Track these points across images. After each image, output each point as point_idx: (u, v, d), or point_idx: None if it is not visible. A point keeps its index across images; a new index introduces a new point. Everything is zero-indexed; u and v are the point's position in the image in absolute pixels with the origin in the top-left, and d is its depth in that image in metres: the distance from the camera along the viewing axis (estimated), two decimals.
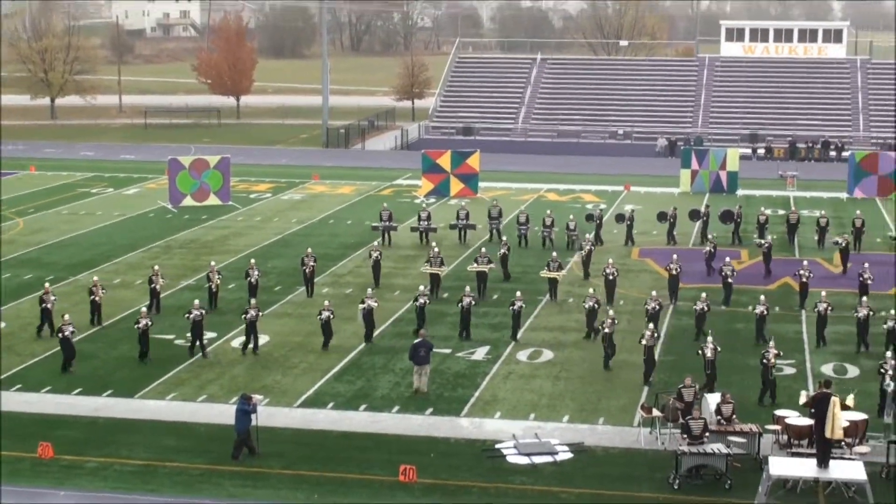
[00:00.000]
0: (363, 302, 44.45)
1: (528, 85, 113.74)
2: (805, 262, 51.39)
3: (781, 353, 39.23)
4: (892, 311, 43.01)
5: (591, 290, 46.52)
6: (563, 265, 53.21)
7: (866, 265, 49.95)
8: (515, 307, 44.51)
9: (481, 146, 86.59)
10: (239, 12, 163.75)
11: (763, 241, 56.19)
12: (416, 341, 39.62)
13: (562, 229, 61.32)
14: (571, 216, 63.18)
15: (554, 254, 52.84)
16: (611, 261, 51.16)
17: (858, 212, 63.46)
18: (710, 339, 39.24)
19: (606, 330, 40.86)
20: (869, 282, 48.87)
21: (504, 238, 58.25)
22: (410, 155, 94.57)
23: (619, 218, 63.67)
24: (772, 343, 38.85)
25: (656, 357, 40.13)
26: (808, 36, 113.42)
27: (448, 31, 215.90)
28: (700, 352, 39.02)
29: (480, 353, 43.09)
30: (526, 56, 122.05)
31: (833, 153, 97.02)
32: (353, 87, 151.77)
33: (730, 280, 49.49)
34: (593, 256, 54.88)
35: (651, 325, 40.41)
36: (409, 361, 39.57)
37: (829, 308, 44.20)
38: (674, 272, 50.03)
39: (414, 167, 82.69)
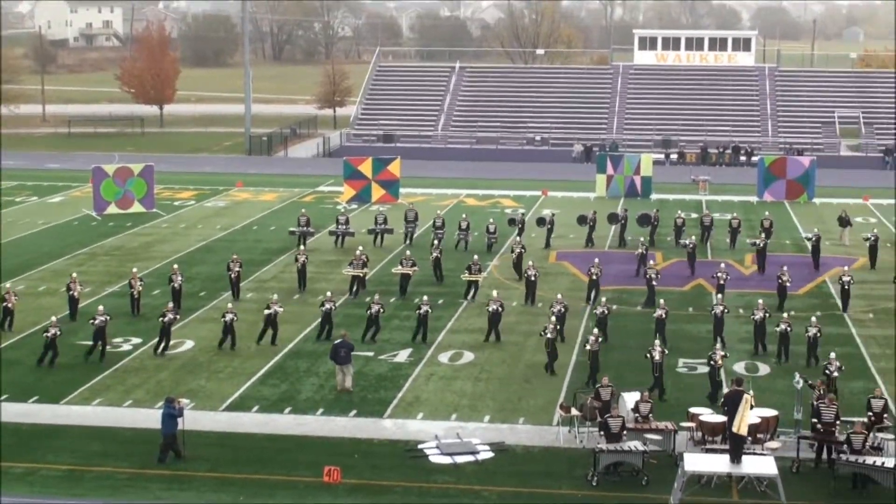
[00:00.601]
0: (269, 307, 44.83)
1: (448, 93, 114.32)
2: (722, 265, 52.16)
3: (728, 355, 39.74)
4: (785, 315, 43.72)
5: (494, 294, 47.03)
6: (483, 268, 53.90)
7: (785, 268, 50.68)
8: (422, 311, 44.96)
9: (402, 153, 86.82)
10: (161, 22, 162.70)
11: (688, 242, 57.11)
12: (336, 342, 40.08)
13: (481, 233, 62.04)
14: (491, 220, 63.87)
15: (475, 256, 53.53)
16: (531, 262, 52.02)
17: (767, 213, 64.84)
18: (657, 341, 39.72)
19: (549, 335, 41.18)
20: (787, 284, 49.86)
21: (435, 242, 58.89)
22: (332, 162, 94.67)
23: (540, 222, 64.38)
24: (718, 345, 39.45)
25: (600, 360, 40.41)
26: (718, 44, 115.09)
27: (368, 41, 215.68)
28: (648, 355, 39.30)
29: (403, 356, 43.45)
30: (445, 64, 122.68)
31: (743, 158, 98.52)
32: (275, 96, 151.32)
33: (654, 283, 50.37)
34: (524, 258, 55.43)
35: (595, 331, 40.84)
36: (331, 362, 40.01)
37: (726, 310, 45.14)
38: (594, 276, 50.82)
39: (336, 174, 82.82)
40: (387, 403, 38.53)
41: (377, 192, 76.03)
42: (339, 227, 62.73)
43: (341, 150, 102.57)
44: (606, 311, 44.92)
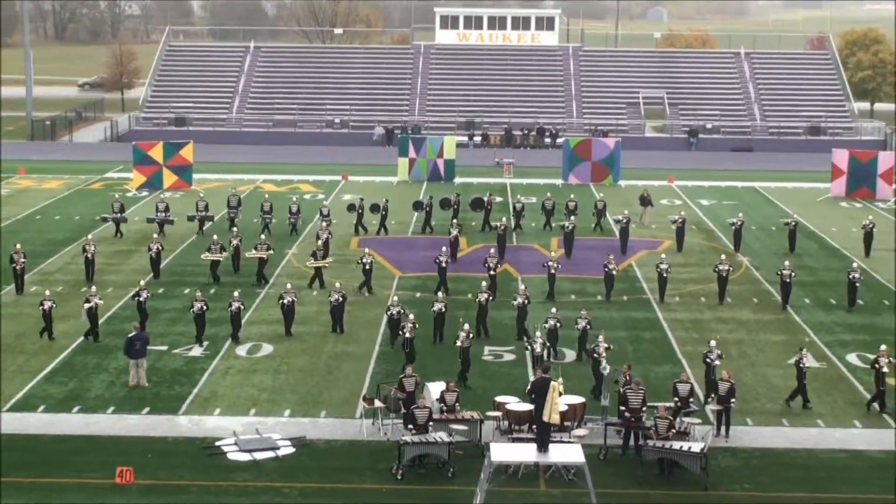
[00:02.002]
0: (88, 301, 43.03)
1: (242, 74, 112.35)
2: (553, 254, 51.64)
3: (612, 347, 38.98)
4: (553, 310, 42.54)
5: (288, 286, 46.13)
6: (328, 254, 52.72)
7: (612, 256, 50.43)
8: (233, 308, 43.19)
9: (195, 137, 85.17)
10: None
11: (499, 225, 56.90)
12: (130, 335, 38.74)
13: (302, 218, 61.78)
14: (325, 202, 63.81)
15: (319, 242, 52.89)
16: (367, 250, 51.03)
17: (601, 195, 65.32)
18: (538, 333, 39.02)
19: (408, 335, 39.85)
20: (614, 272, 49.37)
21: (235, 229, 57.36)
22: (121, 147, 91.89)
23: (374, 208, 63.06)
24: (601, 337, 38.63)
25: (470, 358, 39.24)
26: (522, 23, 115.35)
27: (158, 19, 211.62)
28: (528, 348, 38.65)
29: (198, 350, 42.24)
30: (239, 44, 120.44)
31: (548, 140, 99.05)
32: (58, 77, 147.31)
33: (493, 272, 49.32)
34: (331, 244, 54.81)
35: (466, 326, 39.59)
36: (125, 356, 38.72)
37: (491, 298, 44.53)
38: (443, 264, 49.72)
39: (125, 159, 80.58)
40: (182, 399, 37.42)
41: (169, 178, 74.04)
42: (159, 213, 61.21)
43: (130, 134, 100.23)
44: (401, 312, 42.81)
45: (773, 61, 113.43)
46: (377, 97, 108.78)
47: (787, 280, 47.81)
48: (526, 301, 43.93)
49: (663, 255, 50.95)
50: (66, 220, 64.98)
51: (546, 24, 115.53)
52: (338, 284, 45.63)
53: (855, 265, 49.82)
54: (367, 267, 49.68)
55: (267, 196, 64.15)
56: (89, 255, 51.42)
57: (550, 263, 49.44)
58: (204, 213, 61.64)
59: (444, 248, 51.07)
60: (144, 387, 38.00)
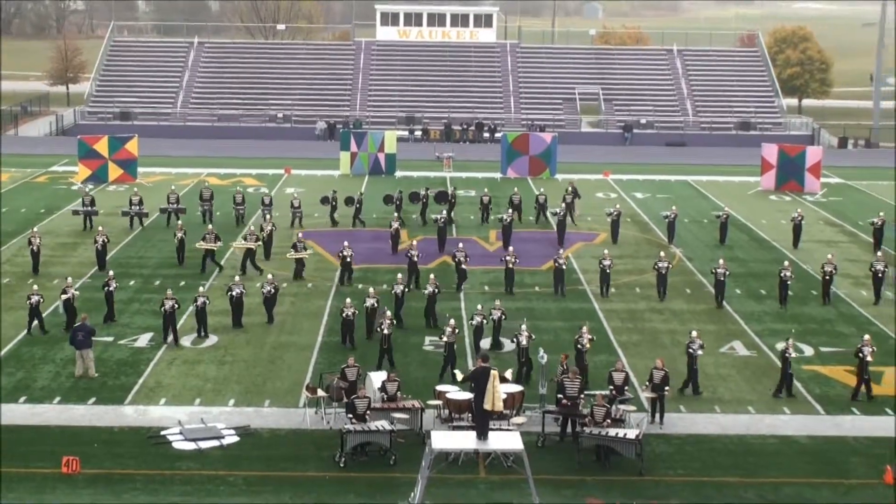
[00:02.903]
0: (65, 292, 43.20)
1: (186, 69, 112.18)
2: (511, 248, 51.41)
3: (595, 338, 39.61)
4: (497, 302, 43.01)
5: (236, 278, 46.37)
6: (308, 247, 53.10)
7: (562, 251, 50.94)
8: (199, 303, 42.97)
9: (139, 131, 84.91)
10: None
11: (438, 217, 57.16)
12: (75, 325, 39.00)
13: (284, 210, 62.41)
14: (296, 194, 64.04)
15: (300, 234, 53.12)
16: (346, 243, 51.06)
17: (516, 189, 65.66)
18: (524, 326, 39.19)
19: (386, 331, 39.73)
20: (563, 267, 49.54)
21: (180, 222, 57.42)
22: (66, 141, 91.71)
23: (349, 201, 63.40)
24: (585, 328, 39.07)
25: (455, 353, 39.23)
26: (461, 20, 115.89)
27: (102, 14, 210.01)
28: (514, 339, 38.97)
29: (143, 340, 42.45)
30: (183, 40, 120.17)
31: (486, 134, 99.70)
32: (3, 72, 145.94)
33: (462, 265, 49.58)
34: (275, 236, 55.34)
35: (452, 321, 39.73)
36: (70, 347, 38.87)
37: (403, 288, 44.97)
38: (414, 258, 49.87)
39: (70, 153, 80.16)
40: (128, 389, 37.58)
41: (114, 171, 74.08)
42: (133, 207, 61.45)
43: (76, 128, 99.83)
44: (352, 314, 42.59)
45: (704, 58, 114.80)
46: (319, 92, 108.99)
47: (721, 279, 48.12)
48: (436, 290, 44.39)
49: (606, 251, 51.24)
50: (12, 212, 64.71)
51: (484, 21, 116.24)
52: (270, 276, 45.95)
53: (786, 263, 50.55)
54: (348, 259, 50.08)
55: (239, 188, 64.43)
56: (34, 248, 51.41)
57: (508, 258, 49.61)
58: (175, 205, 61.86)
59: (413, 243, 51.57)
60: (92, 376, 38.16)
